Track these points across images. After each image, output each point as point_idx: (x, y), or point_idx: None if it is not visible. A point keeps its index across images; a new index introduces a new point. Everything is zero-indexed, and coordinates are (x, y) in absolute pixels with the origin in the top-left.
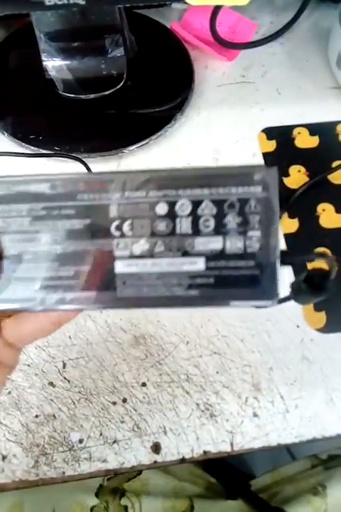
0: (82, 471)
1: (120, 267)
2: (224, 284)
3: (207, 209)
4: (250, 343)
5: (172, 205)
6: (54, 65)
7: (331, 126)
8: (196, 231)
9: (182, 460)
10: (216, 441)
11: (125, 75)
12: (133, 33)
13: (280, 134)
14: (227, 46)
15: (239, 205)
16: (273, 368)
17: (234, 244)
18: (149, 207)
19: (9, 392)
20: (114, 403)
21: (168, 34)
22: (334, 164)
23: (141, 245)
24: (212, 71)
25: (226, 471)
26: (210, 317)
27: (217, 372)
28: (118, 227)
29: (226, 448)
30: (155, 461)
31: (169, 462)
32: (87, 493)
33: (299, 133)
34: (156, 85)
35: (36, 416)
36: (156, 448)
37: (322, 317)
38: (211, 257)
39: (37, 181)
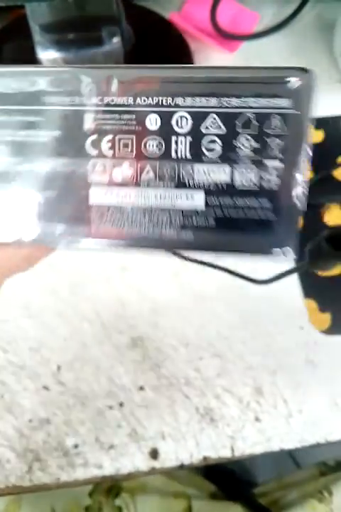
0: (77, 477)
1: (96, 196)
2: (228, 227)
3: (214, 126)
4: (252, 346)
5: (167, 118)
6: (49, 57)
7: (337, 120)
8: (196, 156)
9: (181, 466)
10: (216, 446)
11: None
12: (130, 24)
13: None
14: (229, 38)
15: (258, 123)
16: (275, 371)
17: (246, 176)
18: (136, 119)
19: (1, 396)
20: (111, 407)
21: (167, 25)
22: (340, 160)
23: (124, 170)
24: (213, 63)
25: (228, 478)
26: (211, 318)
27: (218, 376)
28: (96, 144)
29: (226, 453)
30: (153, 467)
31: (167, 468)
32: (82, 492)
33: None
34: None
35: (30, 420)
36: (154, 453)
37: (327, 318)
38: (213, 191)
39: None
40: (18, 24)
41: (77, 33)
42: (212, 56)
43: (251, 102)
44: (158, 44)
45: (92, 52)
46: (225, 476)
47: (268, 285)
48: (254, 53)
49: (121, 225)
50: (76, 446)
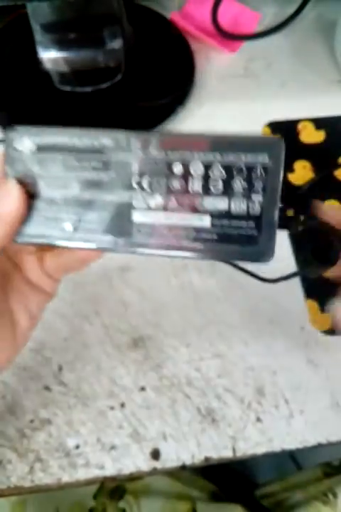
0: (79, 478)
1: (137, 216)
2: (226, 241)
3: (217, 172)
4: (253, 346)
5: (186, 166)
6: (50, 57)
7: (337, 120)
8: (206, 191)
9: (183, 466)
10: (217, 446)
11: (123, 68)
12: (131, 24)
13: (284, 129)
14: (230, 38)
15: (246, 170)
16: (276, 371)
17: (239, 205)
18: (166, 166)
19: (3, 397)
20: (112, 408)
21: (168, 25)
22: None
23: (157, 200)
24: (214, 63)
25: (230, 478)
26: (212, 318)
27: (219, 376)
28: (138, 182)
29: (228, 454)
30: (155, 468)
31: (169, 469)
32: (86, 494)
33: (304, 127)
34: (156, 78)
35: (31, 421)
36: (155, 454)
37: (327, 319)
38: (216, 215)
39: (72, 135)
40: (19, 24)
41: (78, 33)
42: (212, 56)
43: (243, 156)
44: (159, 44)
45: (93, 51)
46: (226, 476)
47: (270, 286)
48: (255, 53)
49: (153, 237)
50: (77, 446)
